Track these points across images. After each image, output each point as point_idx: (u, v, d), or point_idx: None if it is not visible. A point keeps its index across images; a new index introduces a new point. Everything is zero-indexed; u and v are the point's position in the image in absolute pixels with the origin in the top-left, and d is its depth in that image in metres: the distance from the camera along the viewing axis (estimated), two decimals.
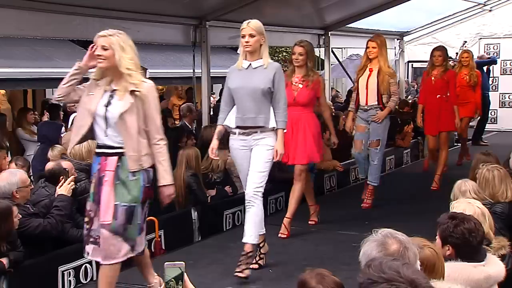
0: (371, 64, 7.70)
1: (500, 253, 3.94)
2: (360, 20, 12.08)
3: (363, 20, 12.11)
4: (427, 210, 5.37)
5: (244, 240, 5.40)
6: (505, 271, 3.73)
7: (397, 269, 2.00)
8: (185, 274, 2.43)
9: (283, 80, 5.59)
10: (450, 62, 14.14)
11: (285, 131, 5.64)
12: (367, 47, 7.73)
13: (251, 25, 5.41)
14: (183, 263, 2.44)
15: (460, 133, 11.07)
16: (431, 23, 14.95)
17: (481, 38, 15.28)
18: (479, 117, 12.25)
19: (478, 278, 3.38)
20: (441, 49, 9.01)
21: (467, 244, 3.42)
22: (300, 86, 6.73)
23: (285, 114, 5.50)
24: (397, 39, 14.76)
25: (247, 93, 5.44)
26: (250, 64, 5.47)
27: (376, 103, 7.68)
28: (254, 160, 5.44)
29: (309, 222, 7.13)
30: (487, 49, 15.10)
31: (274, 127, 5.45)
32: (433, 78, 8.85)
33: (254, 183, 5.43)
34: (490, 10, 15.11)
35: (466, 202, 4.08)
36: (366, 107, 7.75)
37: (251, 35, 5.38)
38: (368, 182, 7.94)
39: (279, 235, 6.56)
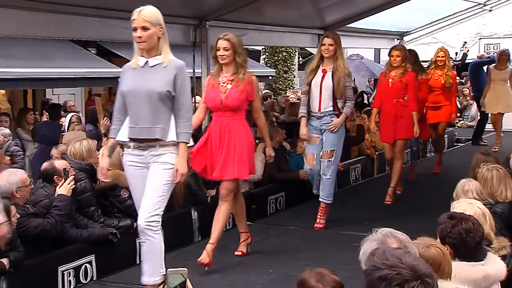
0: (325, 64, 6.77)
1: (501, 254, 3.94)
2: (360, 20, 12.07)
3: (363, 20, 12.10)
4: (427, 210, 5.38)
5: (142, 281, 4.71)
6: (507, 271, 3.73)
7: (399, 256, 2.11)
8: (188, 280, 2.43)
9: (188, 82, 4.77)
10: (450, 62, 14.21)
11: (189, 144, 4.76)
12: (322, 45, 6.82)
13: (144, 14, 4.52)
14: (186, 269, 2.44)
15: (437, 140, 10.31)
16: (431, 23, 14.94)
17: (481, 38, 15.30)
18: (458, 121, 12.31)
19: (477, 278, 3.38)
20: (400, 49, 8.25)
21: (465, 245, 3.42)
22: (229, 87, 5.63)
23: (189, 124, 4.63)
24: (397, 39, 14.73)
25: (141, 97, 4.55)
26: (147, 61, 4.61)
27: (331, 109, 6.73)
28: (149, 182, 4.56)
29: (236, 253, 5.99)
30: (487, 49, 15.12)
31: (174, 141, 4.58)
32: (390, 80, 8.00)
33: (147, 212, 4.55)
34: (490, 10, 15.11)
35: (467, 203, 4.08)
36: (319, 114, 6.77)
37: (144, 28, 4.51)
38: (320, 199, 6.90)
39: (198, 261, 5.49)
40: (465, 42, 14.94)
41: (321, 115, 6.76)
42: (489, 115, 12.13)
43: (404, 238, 2.64)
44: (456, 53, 14.93)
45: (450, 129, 13.91)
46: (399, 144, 8.11)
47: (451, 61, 13.70)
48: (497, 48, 15.10)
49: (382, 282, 2.05)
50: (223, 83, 5.64)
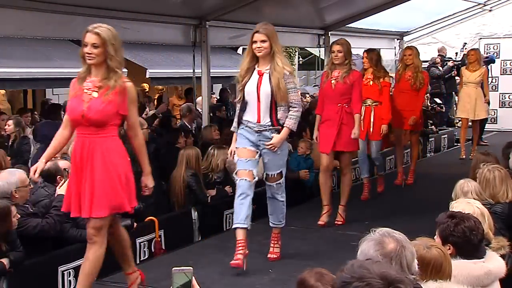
0: (260, 65, 5.58)
1: (499, 253, 3.95)
2: (360, 20, 12.08)
3: (363, 20, 12.11)
4: (427, 210, 5.38)
5: None
6: (506, 269, 3.74)
7: (367, 266, 2.06)
8: (193, 278, 2.40)
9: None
10: (450, 63, 14.22)
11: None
12: (253, 42, 5.57)
13: None
14: (191, 268, 2.41)
15: (411, 148, 9.50)
16: (431, 23, 14.95)
17: (481, 38, 15.28)
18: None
19: (479, 274, 3.39)
20: (341, 43, 6.93)
21: (469, 243, 3.43)
22: (95, 95, 4.44)
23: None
24: (397, 39, 14.75)
25: None
26: None
27: (269, 121, 5.55)
28: None
29: None
30: (487, 49, 15.10)
31: None
32: (333, 81, 6.82)
33: None
34: (490, 10, 15.11)
35: (465, 202, 4.09)
36: (257, 127, 5.56)
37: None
38: (272, 224, 5.94)
39: None
40: (465, 43, 14.92)
41: (260, 128, 5.57)
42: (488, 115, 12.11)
43: (402, 238, 2.64)
44: (456, 53, 14.92)
45: (450, 129, 13.93)
46: (345, 157, 7.06)
47: (450, 61, 13.66)
48: (497, 48, 15.10)
49: None
50: (88, 89, 4.45)
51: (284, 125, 5.53)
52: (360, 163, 8.51)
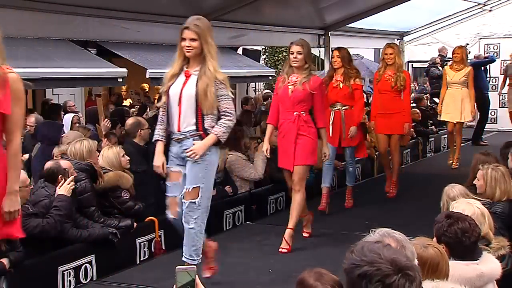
0: (190, 66, 4.89)
1: (499, 253, 3.95)
2: (360, 20, 12.09)
3: (363, 20, 12.12)
4: (427, 210, 5.38)
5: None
6: (504, 270, 3.74)
7: (378, 251, 2.06)
8: (196, 277, 2.40)
9: None
10: (450, 63, 14.20)
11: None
12: (182, 39, 4.86)
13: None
14: (195, 267, 2.41)
15: (391, 157, 8.68)
16: (431, 23, 14.96)
17: (481, 38, 15.29)
18: (415, 135, 11.44)
19: (471, 276, 3.39)
20: (302, 44, 6.16)
21: (460, 244, 3.42)
22: None
23: None
24: (397, 39, 14.76)
25: None
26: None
27: (194, 128, 4.81)
28: None
29: None
30: (487, 49, 15.11)
31: None
32: (290, 86, 6.11)
33: None
34: (490, 10, 15.12)
35: (465, 202, 4.08)
36: (178, 135, 4.87)
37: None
38: (184, 258, 4.93)
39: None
40: (467, 44, 14.92)
41: (181, 136, 4.85)
42: (488, 115, 12.10)
43: (402, 238, 2.64)
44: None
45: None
46: (298, 171, 6.08)
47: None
48: (497, 48, 15.11)
49: (363, 279, 2.01)
50: None
51: (211, 131, 4.77)
52: (324, 170, 7.66)
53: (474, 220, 3.62)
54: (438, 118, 11.15)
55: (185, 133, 4.84)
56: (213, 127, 4.79)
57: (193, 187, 4.77)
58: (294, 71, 6.14)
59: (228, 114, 4.82)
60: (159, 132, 4.97)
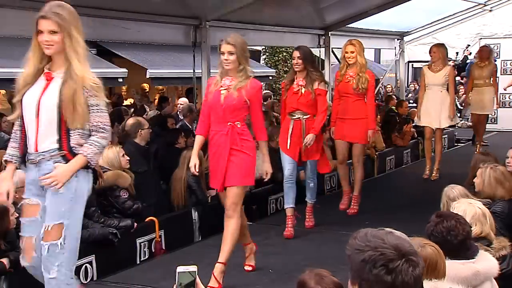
0: (52, 65, 3.94)
1: (501, 254, 3.95)
2: (360, 20, 12.09)
3: (363, 20, 12.12)
4: (428, 210, 5.38)
5: None
6: (506, 271, 3.74)
7: (381, 236, 2.07)
8: (197, 277, 2.40)
9: None
10: (450, 63, 14.20)
11: None
12: (38, 31, 3.97)
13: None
14: (195, 267, 2.40)
15: (354, 169, 7.77)
16: (431, 23, 14.96)
17: (481, 38, 15.27)
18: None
19: (466, 275, 3.38)
20: (234, 42, 5.04)
21: (447, 243, 3.41)
22: None
23: None
24: (397, 39, 14.77)
25: None
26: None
27: (56, 146, 3.79)
28: None
29: None
30: None
31: None
32: (222, 91, 5.10)
33: None
34: (490, 10, 15.12)
35: (467, 203, 4.08)
36: (35, 156, 3.83)
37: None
38: None
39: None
40: (468, 45, 14.91)
41: (39, 158, 3.81)
42: (489, 115, 12.05)
43: (402, 237, 2.65)
44: (457, 52, 14.93)
45: (450, 129, 13.89)
46: (231, 193, 5.12)
47: (450, 61, 13.61)
48: (497, 48, 15.10)
49: (366, 264, 2.01)
50: None
51: (79, 151, 3.78)
52: (285, 189, 6.69)
53: (465, 218, 3.62)
54: (416, 123, 10.31)
55: (43, 154, 3.79)
56: (81, 145, 3.79)
57: (55, 225, 3.71)
58: (228, 73, 5.12)
59: (101, 130, 3.82)
60: (9, 151, 3.91)
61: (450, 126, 10.33)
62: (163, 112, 11.34)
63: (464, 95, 13.57)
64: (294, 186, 6.69)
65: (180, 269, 2.36)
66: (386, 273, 1.98)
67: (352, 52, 7.20)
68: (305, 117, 6.57)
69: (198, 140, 5.29)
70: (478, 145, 11.10)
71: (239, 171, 5.10)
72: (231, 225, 5.11)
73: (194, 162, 5.18)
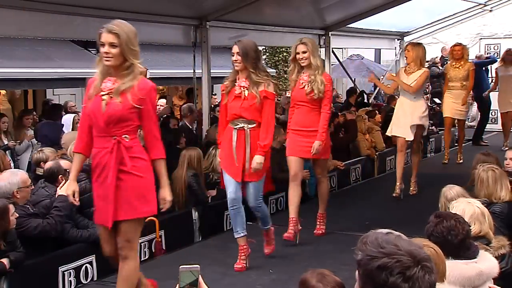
0: None
1: (500, 253, 3.95)
2: (361, 20, 12.09)
3: (363, 20, 12.12)
4: (428, 211, 5.38)
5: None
6: (504, 270, 3.74)
7: (395, 242, 2.03)
8: (200, 276, 2.40)
9: None
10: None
11: None
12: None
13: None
14: (198, 266, 2.40)
15: (319, 187, 6.84)
16: (431, 23, 14.96)
17: (481, 38, 15.29)
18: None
19: (470, 275, 3.39)
20: (116, 31, 4.10)
21: (447, 242, 3.42)
22: None
23: None
24: (397, 39, 14.77)
25: None
26: None
27: None
28: None
29: None
30: (487, 49, 15.10)
31: None
32: (104, 97, 4.14)
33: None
34: (490, 10, 15.10)
35: (465, 202, 4.09)
36: None
37: None
38: None
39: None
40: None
41: None
42: (489, 115, 12.04)
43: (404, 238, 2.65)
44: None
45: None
46: (123, 229, 4.17)
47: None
48: (497, 49, 15.10)
49: (382, 271, 1.97)
50: None
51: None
52: (231, 216, 5.71)
53: (464, 218, 3.63)
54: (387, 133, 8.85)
55: None
56: None
57: None
58: (111, 72, 4.14)
59: None
60: None
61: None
62: (159, 114, 11.35)
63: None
64: (240, 209, 5.61)
65: (182, 268, 2.36)
66: (403, 281, 1.96)
67: (304, 53, 6.20)
68: (250, 126, 5.43)
69: (76, 160, 4.33)
70: (452, 155, 10.77)
71: (130, 200, 4.11)
72: (127, 268, 4.22)
73: (71, 190, 4.22)
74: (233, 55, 5.46)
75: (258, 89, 5.39)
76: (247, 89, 5.40)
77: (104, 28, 4.08)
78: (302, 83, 6.20)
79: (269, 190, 6.37)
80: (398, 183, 8.22)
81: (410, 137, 8.08)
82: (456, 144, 13.23)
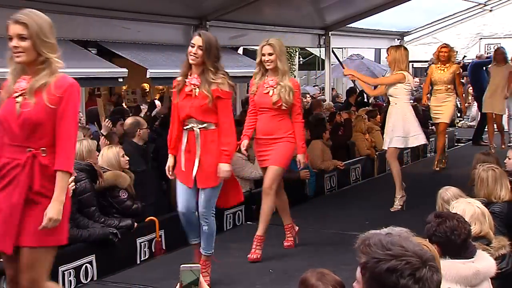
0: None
1: (500, 253, 3.95)
2: (360, 20, 12.10)
3: (363, 20, 12.14)
4: (428, 210, 5.38)
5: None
6: (504, 270, 3.74)
7: (400, 243, 2.02)
8: (201, 275, 2.40)
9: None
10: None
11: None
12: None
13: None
14: (199, 265, 2.41)
15: (279, 205, 6.19)
16: (431, 23, 14.98)
17: (481, 38, 15.30)
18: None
19: (467, 275, 3.40)
20: (25, 21, 3.71)
21: (450, 242, 3.43)
22: None
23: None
24: (397, 39, 14.78)
25: None
26: None
27: None
28: None
29: None
30: (487, 49, 15.12)
31: None
32: (19, 99, 3.56)
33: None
34: (490, 10, 15.14)
35: (465, 202, 4.09)
36: None
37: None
38: None
39: None
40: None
41: None
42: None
43: (404, 231, 2.69)
44: (456, 52, 14.91)
45: (450, 129, 13.91)
46: (27, 261, 3.57)
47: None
48: None
49: (392, 274, 1.96)
50: None
51: None
52: (185, 225, 5.17)
53: (465, 218, 3.63)
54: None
55: None
56: None
57: None
58: (26, 71, 3.60)
59: None
60: None
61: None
62: (157, 114, 11.35)
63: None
64: (192, 218, 5.07)
65: (183, 267, 2.36)
66: (414, 283, 1.95)
67: (271, 55, 5.66)
68: (199, 126, 4.90)
69: None
70: (436, 163, 10.01)
71: (37, 228, 3.46)
72: None
73: None
74: (192, 46, 4.90)
75: (210, 87, 4.84)
76: (198, 87, 4.89)
77: (11, 20, 3.58)
78: (267, 87, 5.69)
79: (238, 201, 5.57)
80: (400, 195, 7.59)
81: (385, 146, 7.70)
82: (457, 144, 13.25)
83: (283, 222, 6.19)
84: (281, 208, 6.16)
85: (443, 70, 9.52)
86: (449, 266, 3.34)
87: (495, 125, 11.45)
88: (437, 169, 9.99)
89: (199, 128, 4.89)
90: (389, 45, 14.86)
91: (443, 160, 10.16)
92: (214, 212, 5.07)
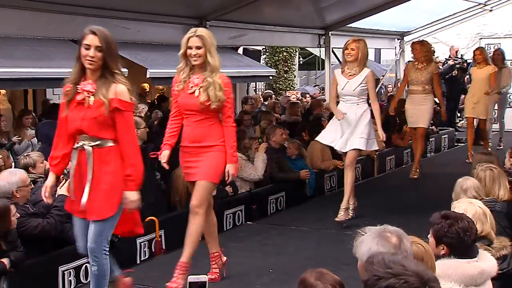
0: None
1: (501, 253, 3.95)
2: (361, 20, 12.09)
3: (364, 20, 12.13)
4: (428, 210, 5.38)
5: None
6: (506, 271, 3.75)
7: (401, 262, 2.05)
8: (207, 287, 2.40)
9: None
10: (450, 61, 14.18)
11: None
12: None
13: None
14: (206, 277, 2.40)
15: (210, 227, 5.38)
16: (431, 23, 14.97)
17: (481, 38, 15.28)
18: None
19: (473, 274, 3.41)
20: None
21: (463, 243, 3.45)
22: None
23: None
24: (397, 39, 14.77)
25: None
26: None
27: None
28: None
29: None
30: (487, 49, 15.09)
31: None
32: None
33: None
34: (490, 10, 15.11)
35: (467, 202, 4.09)
36: None
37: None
38: None
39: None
40: (448, 58, 14.58)
41: None
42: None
43: (400, 231, 2.71)
44: (456, 51, 14.91)
45: (450, 129, 13.85)
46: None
47: (450, 60, 13.36)
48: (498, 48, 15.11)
49: None
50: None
51: None
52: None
53: (473, 219, 3.64)
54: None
55: None
56: None
57: None
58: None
59: None
60: None
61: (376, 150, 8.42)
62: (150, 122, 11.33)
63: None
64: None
65: (191, 279, 2.36)
66: None
67: (199, 48, 4.89)
68: (92, 144, 4.07)
69: None
70: (413, 170, 9.43)
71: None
72: None
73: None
74: (88, 48, 4.01)
75: (108, 94, 4.02)
76: (93, 95, 4.06)
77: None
78: (192, 87, 4.81)
79: (137, 234, 4.83)
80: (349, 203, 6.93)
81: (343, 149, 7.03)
82: (457, 144, 13.22)
83: (208, 249, 5.23)
84: (208, 232, 5.19)
85: (421, 69, 8.94)
86: (455, 266, 3.36)
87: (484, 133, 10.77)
88: (415, 177, 9.36)
89: (91, 146, 4.05)
90: (389, 45, 14.94)
91: (418, 170, 9.46)
92: (106, 249, 4.17)
